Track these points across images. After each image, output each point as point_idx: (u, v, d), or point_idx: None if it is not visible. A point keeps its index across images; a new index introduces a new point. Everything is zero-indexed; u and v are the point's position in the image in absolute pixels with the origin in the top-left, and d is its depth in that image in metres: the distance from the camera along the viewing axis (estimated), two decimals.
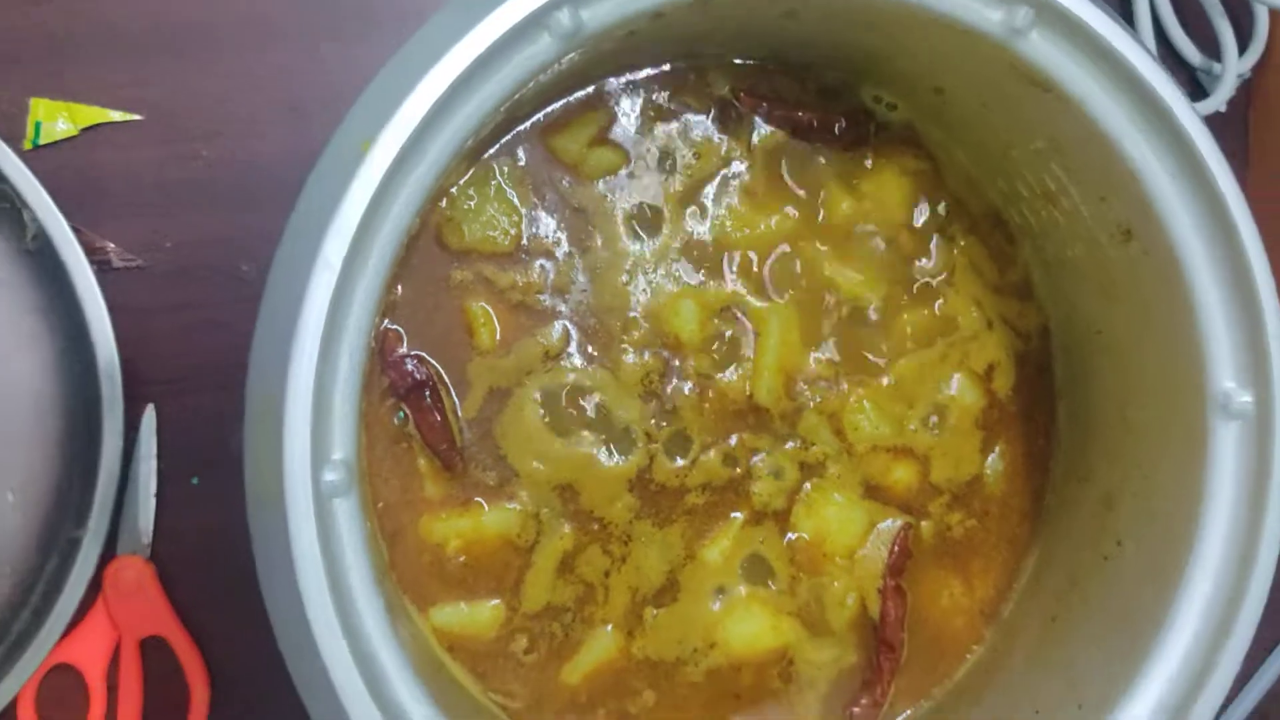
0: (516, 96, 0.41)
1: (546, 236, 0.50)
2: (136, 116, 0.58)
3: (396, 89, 0.37)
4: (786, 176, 0.53)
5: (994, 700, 0.51)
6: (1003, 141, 0.51)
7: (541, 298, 0.50)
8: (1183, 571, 0.45)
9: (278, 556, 0.37)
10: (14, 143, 0.56)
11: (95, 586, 0.57)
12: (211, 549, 0.59)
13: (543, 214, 0.50)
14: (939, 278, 0.54)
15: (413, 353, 0.49)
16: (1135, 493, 0.50)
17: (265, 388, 0.37)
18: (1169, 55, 0.70)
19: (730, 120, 0.52)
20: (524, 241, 0.50)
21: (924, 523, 0.54)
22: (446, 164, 0.39)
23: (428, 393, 0.48)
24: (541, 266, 0.50)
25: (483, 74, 0.38)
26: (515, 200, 0.50)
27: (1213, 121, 0.69)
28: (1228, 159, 0.70)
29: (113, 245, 0.58)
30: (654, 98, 0.51)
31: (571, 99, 0.50)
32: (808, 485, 0.52)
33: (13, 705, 0.56)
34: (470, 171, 0.49)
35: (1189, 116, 0.44)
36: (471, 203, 0.49)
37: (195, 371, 0.59)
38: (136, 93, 0.58)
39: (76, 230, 0.56)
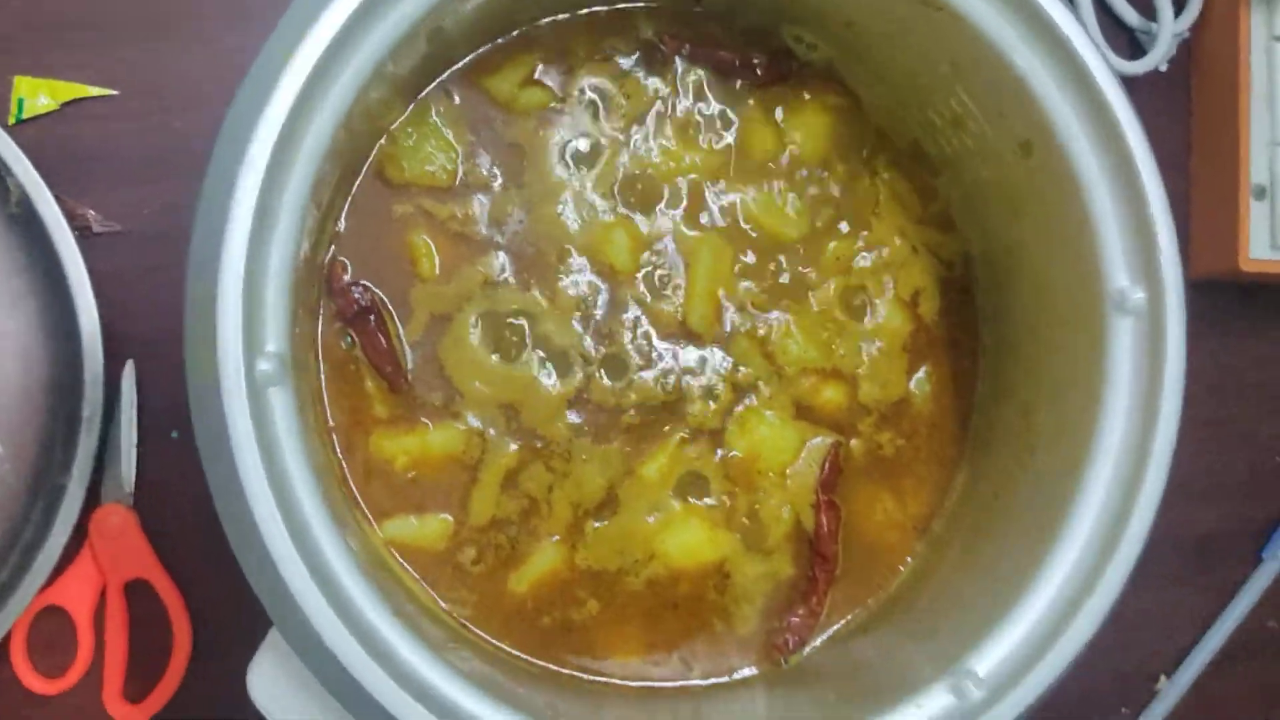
0: (439, 25, 0.45)
1: (483, 171, 0.54)
2: (113, 92, 0.62)
3: (316, 5, 0.41)
4: (711, 114, 0.56)
5: (923, 605, 0.54)
6: (911, 70, 0.54)
7: (479, 229, 0.53)
8: (1088, 460, 0.48)
9: (216, 441, 0.40)
10: None
11: (82, 534, 0.60)
12: (191, 497, 0.62)
13: (479, 150, 0.54)
14: (863, 209, 0.57)
15: (358, 281, 0.52)
16: (1049, 400, 0.52)
17: (200, 282, 0.40)
18: (1107, 18, 0.72)
19: (655, 62, 0.55)
20: (461, 176, 0.53)
21: (854, 441, 0.56)
22: (368, 77, 0.42)
23: (373, 318, 0.52)
24: (479, 199, 0.54)
25: None
26: (451, 137, 0.53)
27: (1153, 81, 0.72)
28: (1170, 118, 0.72)
29: (93, 212, 0.61)
30: (580, 40, 0.55)
31: (502, 40, 0.54)
32: (740, 406, 0.55)
33: (4, 645, 0.59)
34: (409, 110, 0.53)
35: (1070, 25, 0.47)
36: (410, 140, 0.53)
37: (173, 331, 0.62)
38: (113, 70, 0.62)
39: (58, 198, 0.59)
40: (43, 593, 0.59)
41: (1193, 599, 0.73)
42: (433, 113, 0.53)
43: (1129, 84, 0.69)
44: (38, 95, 0.61)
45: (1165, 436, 0.47)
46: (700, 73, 0.56)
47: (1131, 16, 0.72)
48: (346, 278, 0.52)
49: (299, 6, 0.42)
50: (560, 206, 0.54)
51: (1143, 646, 0.72)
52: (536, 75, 0.54)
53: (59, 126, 0.62)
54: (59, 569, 0.60)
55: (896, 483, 0.57)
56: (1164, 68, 0.72)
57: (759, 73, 0.56)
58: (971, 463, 0.57)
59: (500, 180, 0.54)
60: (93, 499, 0.60)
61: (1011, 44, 0.47)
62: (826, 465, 0.55)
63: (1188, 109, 0.74)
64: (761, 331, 0.56)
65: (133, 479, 0.61)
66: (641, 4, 0.55)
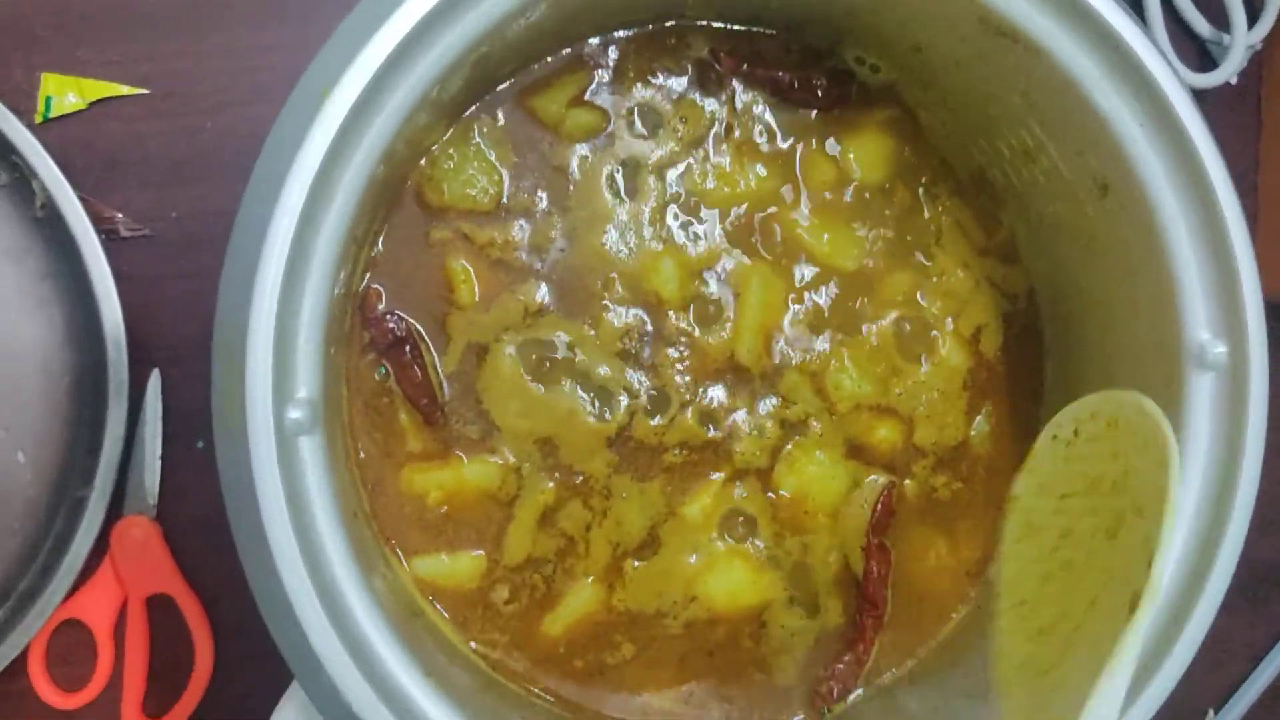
0: (485, 50, 0.42)
1: (526, 195, 0.51)
2: (144, 91, 0.60)
3: (357, 37, 0.38)
4: (768, 138, 0.53)
5: (975, 660, 0.51)
6: (981, 98, 0.51)
7: (520, 255, 0.51)
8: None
9: (243, 492, 0.38)
10: (25, 116, 0.58)
11: (103, 546, 0.59)
12: (216, 510, 0.60)
13: (523, 173, 0.51)
14: (924, 239, 0.54)
15: (393, 310, 0.50)
16: None
17: (230, 326, 0.38)
18: (1178, 28, 0.69)
19: (710, 82, 0.53)
20: (504, 200, 0.51)
21: (908, 482, 0.54)
22: (410, 111, 0.40)
23: (408, 348, 0.49)
24: (521, 225, 0.51)
25: (443, 22, 0.40)
26: (494, 159, 0.51)
27: (1223, 94, 0.68)
28: (1239, 131, 0.69)
29: (120, 215, 0.59)
30: (632, 59, 0.52)
31: (550, 60, 0.51)
32: (789, 444, 0.53)
33: (24, 657, 0.58)
34: (450, 131, 0.50)
35: (1157, 64, 0.44)
36: (451, 162, 0.50)
37: (200, 338, 0.60)
38: (145, 68, 0.60)
39: (84, 200, 0.57)
40: (63, 605, 0.58)
41: (1246, 631, 0.71)
42: (475, 134, 0.50)
43: (1198, 96, 0.67)
44: (66, 94, 0.59)
45: (1244, 501, 0.45)
46: (757, 94, 0.53)
47: (1203, 27, 0.69)
48: (381, 306, 0.49)
49: (337, 41, 0.39)
50: (606, 233, 0.51)
51: (1190, 678, 0.69)
52: (586, 95, 0.52)
53: (87, 126, 0.59)
54: (80, 581, 0.58)
55: (951, 526, 0.54)
56: (1234, 80, 0.69)
57: (819, 95, 0.53)
58: None
59: (544, 205, 0.51)
60: (115, 510, 0.59)
61: (1094, 81, 0.44)
62: (879, 506, 0.53)
63: (1259, 122, 0.71)
64: (814, 366, 0.53)
65: (156, 490, 0.60)
66: (696, 21, 0.52)
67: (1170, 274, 0.45)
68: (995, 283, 0.55)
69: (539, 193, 0.51)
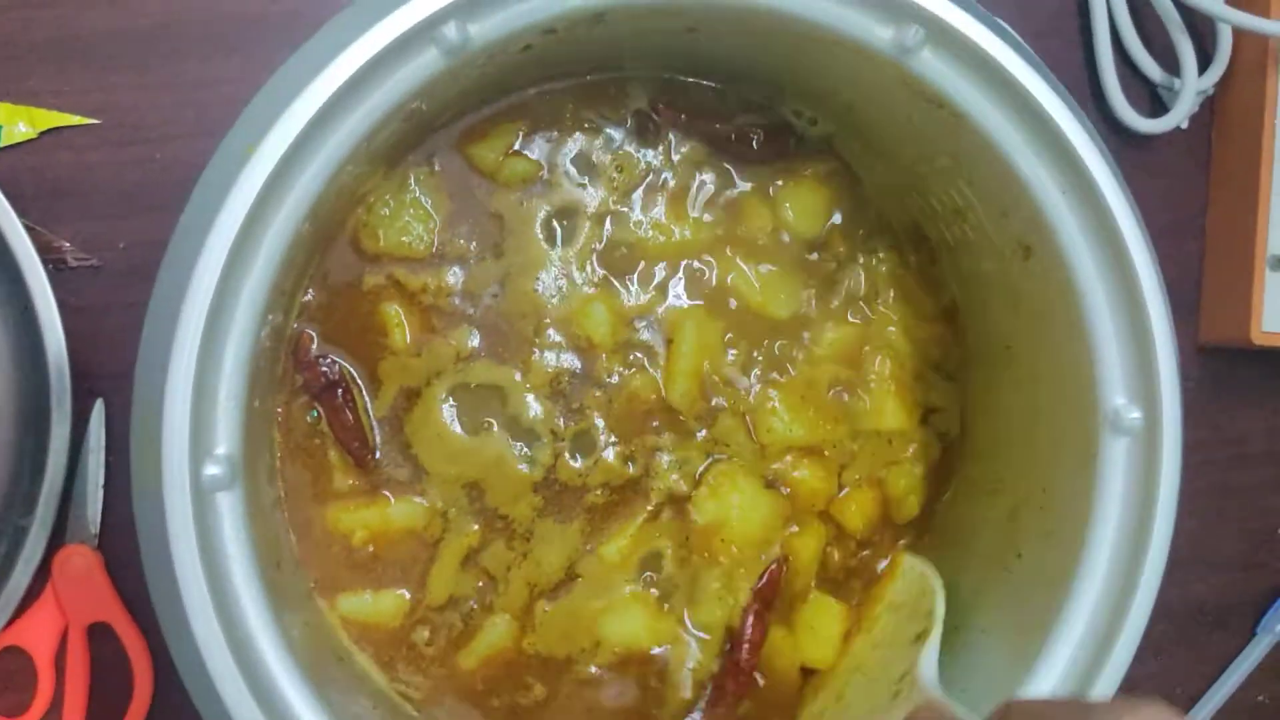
0: (417, 105, 0.43)
1: (461, 241, 0.52)
2: (94, 121, 0.60)
3: (283, 96, 0.39)
4: (704, 188, 0.54)
5: None
6: (911, 157, 0.52)
7: (454, 300, 0.52)
8: (1071, 582, 0.46)
9: (158, 549, 0.39)
10: None
11: (45, 574, 0.59)
12: None
13: (458, 220, 0.52)
14: (858, 291, 0.55)
15: (326, 354, 0.50)
16: (1037, 506, 0.51)
17: (149, 384, 0.39)
18: (1129, 72, 0.69)
19: (648, 132, 0.53)
20: (438, 246, 0.52)
21: (815, 540, 0.55)
22: (338, 166, 0.40)
23: (340, 392, 0.50)
24: (455, 271, 0.52)
25: (370, 83, 0.40)
26: (430, 207, 0.51)
27: (1175, 139, 0.69)
28: (1190, 176, 0.70)
29: (68, 244, 0.60)
30: (570, 109, 0.52)
31: (489, 108, 0.52)
32: (713, 472, 0.53)
33: None
34: (388, 178, 0.51)
35: (1078, 133, 0.44)
36: (388, 209, 0.51)
37: None
38: (95, 99, 0.60)
39: (31, 229, 0.58)
40: (4, 631, 0.58)
41: (1182, 670, 0.72)
42: (412, 181, 0.51)
43: (1150, 141, 0.67)
44: (17, 123, 0.59)
45: (1154, 566, 0.45)
46: (695, 145, 0.53)
47: (1154, 71, 0.69)
48: (314, 350, 0.50)
49: (263, 97, 0.40)
50: (539, 279, 0.52)
51: None
52: (523, 144, 0.52)
53: (37, 155, 0.60)
54: (21, 609, 0.58)
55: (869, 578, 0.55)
56: (1185, 125, 0.69)
57: (756, 146, 0.53)
58: (955, 561, 0.55)
59: (478, 251, 0.52)
60: (57, 538, 0.59)
61: (1015, 147, 0.45)
62: (766, 578, 0.54)
63: (1209, 167, 0.71)
64: (744, 408, 0.54)
65: (98, 519, 0.60)
66: (635, 73, 0.53)
67: (1088, 339, 0.46)
68: (927, 337, 0.56)
69: (474, 239, 0.52)
